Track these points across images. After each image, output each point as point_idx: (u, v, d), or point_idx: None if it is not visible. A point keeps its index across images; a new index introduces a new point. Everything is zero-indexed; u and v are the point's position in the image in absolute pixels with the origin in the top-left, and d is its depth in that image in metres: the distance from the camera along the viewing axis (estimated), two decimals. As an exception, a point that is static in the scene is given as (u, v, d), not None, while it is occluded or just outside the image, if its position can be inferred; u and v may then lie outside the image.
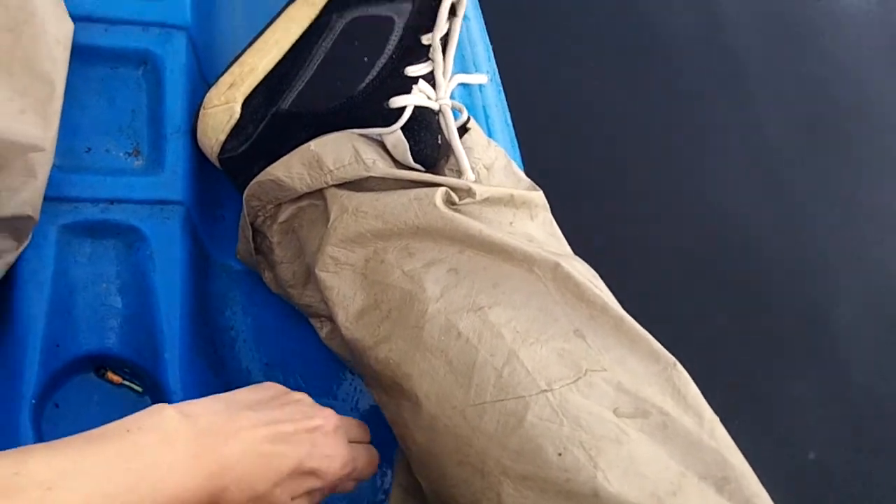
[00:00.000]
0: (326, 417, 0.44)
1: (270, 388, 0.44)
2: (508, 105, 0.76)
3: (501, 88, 0.75)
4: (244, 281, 0.62)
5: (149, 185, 0.56)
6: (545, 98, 1.07)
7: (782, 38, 1.26)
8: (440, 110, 0.56)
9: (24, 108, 0.48)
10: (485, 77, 0.62)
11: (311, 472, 0.42)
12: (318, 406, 0.45)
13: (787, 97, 1.22)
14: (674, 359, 0.47)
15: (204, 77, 0.63)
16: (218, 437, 0.37)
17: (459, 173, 0.56)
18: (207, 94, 0.58)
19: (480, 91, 0.71)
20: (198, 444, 0.36)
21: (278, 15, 0.57)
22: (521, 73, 0.91)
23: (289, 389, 0.46)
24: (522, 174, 0.61)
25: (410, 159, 0.55)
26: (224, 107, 0.57)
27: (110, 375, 0.55)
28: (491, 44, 0.77)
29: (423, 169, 0.56)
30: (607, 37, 1.18)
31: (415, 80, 0.55)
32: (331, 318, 0.53)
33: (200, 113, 0.58)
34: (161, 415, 0.36)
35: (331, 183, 0.53)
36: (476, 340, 0.46)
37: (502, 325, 0.47)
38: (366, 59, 0.55)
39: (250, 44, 0.58)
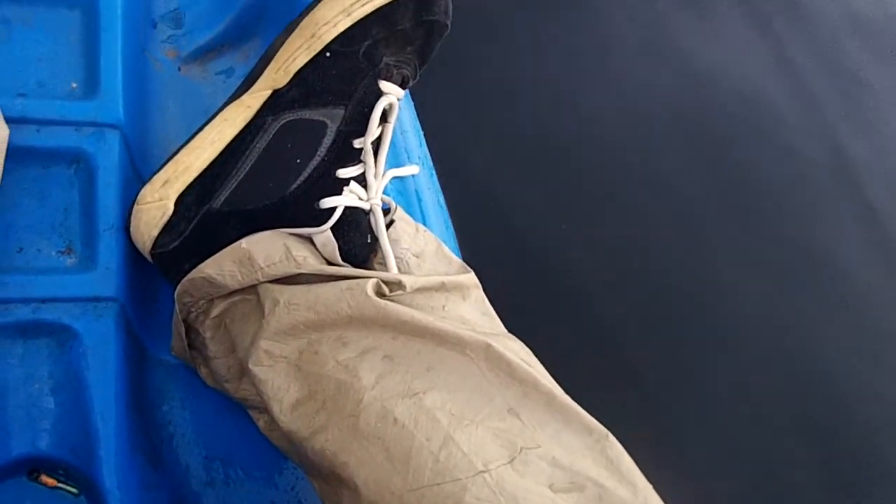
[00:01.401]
0: None
1: None
2: (441, 186, 0.77)
3: (434, 171, 0.77)
4: (181, 375, 0.62)
5: (81, 283, 0.56)
6: (477, 178, 1.10)
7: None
8: (371, 210, 0.58)
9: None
10: (416, 168, 0.64)
11: None
12: None
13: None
14: (606, 430, 0.48)
15: (138, 174, 0.64)
16: None
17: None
18: (141, 191, 0.58)
19: (413, 176, 0.73)
20: None
21: (214, 115, 0.59)
22: (453, 155, 0.93)
23: None
24: (453, 256, 0.62)
25: (339, 259, 0.56)
26: (157, 203, 0.57)
27: (44, 478, 0.54)
28: (422, 128, 0.79)
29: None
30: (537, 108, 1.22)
31: (346, 181, 0.57)
32: (268, 411, 0.53)
33: (134, 209, 0.58)
34: None
35: (262, 280, 0.54)
36: (412, 426, 0.46)
37: (437, 408, 0.47)
38: (298, 160, 0.56)
39: (186, 142, 0.59)
